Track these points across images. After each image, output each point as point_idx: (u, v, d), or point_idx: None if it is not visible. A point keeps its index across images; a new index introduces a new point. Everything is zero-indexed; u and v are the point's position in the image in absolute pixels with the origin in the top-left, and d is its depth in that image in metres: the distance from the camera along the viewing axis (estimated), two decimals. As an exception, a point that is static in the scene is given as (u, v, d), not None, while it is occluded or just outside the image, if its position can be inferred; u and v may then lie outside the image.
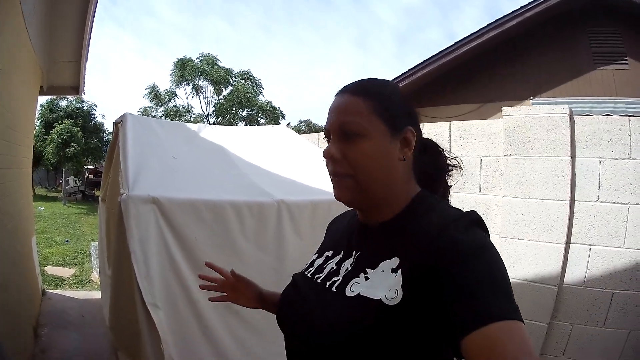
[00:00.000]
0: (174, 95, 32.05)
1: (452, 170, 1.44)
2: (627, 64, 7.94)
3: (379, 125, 1.23)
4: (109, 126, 30.03)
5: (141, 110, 31.46)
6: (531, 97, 8.10)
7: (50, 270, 10.51)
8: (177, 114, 30.64)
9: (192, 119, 30.86)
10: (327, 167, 1.32)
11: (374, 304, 1.12)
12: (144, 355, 3.19)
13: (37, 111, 10.12)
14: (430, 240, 1.10)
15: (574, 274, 4.53)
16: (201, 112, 32.64)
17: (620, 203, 4.36)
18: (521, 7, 8.08)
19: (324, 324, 1.19)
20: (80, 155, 27.46)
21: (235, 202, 3.60)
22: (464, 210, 1.19)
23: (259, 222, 3.69)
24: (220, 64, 31.88)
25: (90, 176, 35.29)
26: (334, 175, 1.29)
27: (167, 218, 3.28)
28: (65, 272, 10.52)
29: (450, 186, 1.45)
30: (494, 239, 1.16)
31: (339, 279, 1.28)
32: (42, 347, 5.24)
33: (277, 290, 1.68)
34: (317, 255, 1.52)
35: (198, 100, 33.40)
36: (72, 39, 6.48)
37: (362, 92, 1.28)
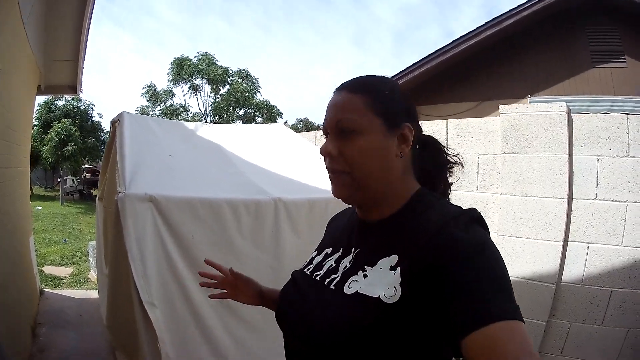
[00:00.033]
0: (171, 94, 32.05)
1: (452, 167, 1.44)
2: (625, 62, 7.94)
3: (375, 121, 1.23)
4: (106, 125, 30.05)
5: (139, 109, 31.46)
6: (529, 96, 8.10)
7: (48, 269, 10.51)
8: (174, 113, 30.60)
9: (189, 118, 30.86)
10: (325, 164, 1.32)
11: (372, 302, 1.11)
12: (141, 354, 3.18)
13: (34, 110, 10.10)
14: (430, 237, 1.10)
15: (572, 272, 4.53)
16: (198, 111, 32.71)
17: (618, 201, 4.37)
18: (519, 6, 8.08)
19: (323, 323, 1.18)
20: (78, 154, 27.49)
21: (232, 200, 3.60)
22: (463, 208, 1.19)
23: (256, 220, 3.69)
24: (218, 63, 31.91)
25: (88, 175, 35.39)
26: (331, 172, 1.29)
27: (163, 216, 3.27)
28: (63, 271, 10.52)
29: (451, 183, 1.44)
30: (492, 236, 1.16)
31: (337, 277, 1.28)
32: (40, 346, 5.22)
33: (275, 287, 1.68)
34: (316, 252, 1.52)
35: (195, 99, 33.54)
36: (70, 38, 6.47)
37: (359, 89, 1.28)
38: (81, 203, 29.05)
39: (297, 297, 1.38)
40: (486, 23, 8.30)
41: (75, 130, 27.15)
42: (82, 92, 8.79)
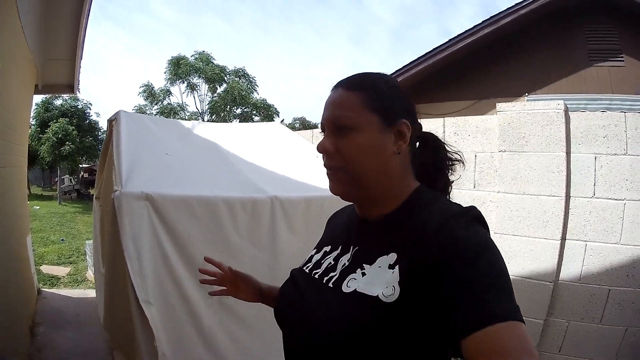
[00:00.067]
0: (168, 93, 32.04)
1: (453, 165, 1.43)
2: (622, 61, 7.92)
3: (371, 118, 1.23)
4: (103, 125, 30.16)
5: (136, 108, 31.47)
6: (526, 94, 8.09)
7: (45, 269, 10.53)
8: (171, 112, 30.59)
9: (186, 117, 30.84)
10: (322, 161, 1.32)
11: (371, 300, 1.11)
12: (138, 353, 3.17)
13: (32, 110, 10.11)
14: (430, 235, 1.09)
15: (569, 271, 4.53)
16: (195, 110, 32.69)
17: (616, 199, 4.37)
18: (516, 4, 8.05)
19: (323, 323, 1.18)
20: (75, 154, 27.54)
21: (228, 198, 3.58)
22: (463, 206, 1.18)
23: (252, 218, 3.68)
24: (215, 62, 31.92)
25: (85, 175, 35.39)
26: (328, 169, 1.30)
27: (160, 214, 3.26)
28: (61, 271, 10.54)
29: (452, 181, 1.43)
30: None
31: (336, 275, 1.28)
32: (38, 346, 5.22)
33: (273, 285, 1.69)
34: (315, 250, 1.51)
35: (192, 98, 33.44)
36: (67, 37, 6.47)
37: (356, 86, 1.28)
38: (79, 202, 29.10)
39: (297, 297, 1.37)
40: (483, 21, 8.28)
41: (73, 130, 27.21)
42: (79, 91, 8.81)
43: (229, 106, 31.62)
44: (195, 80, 31.75)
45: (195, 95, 32.46)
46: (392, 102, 1.27)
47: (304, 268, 1.45)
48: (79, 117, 29.26)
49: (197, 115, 31.87)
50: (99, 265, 5.45)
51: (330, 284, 1.26)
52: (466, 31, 8.38)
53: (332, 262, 1.35)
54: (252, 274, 1.79)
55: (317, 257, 1.45)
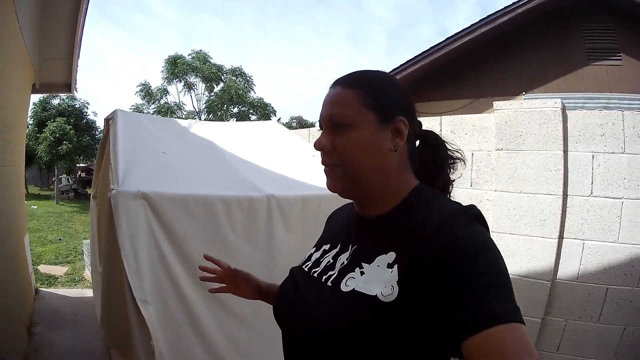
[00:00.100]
0: (165, 92, 32.00)
1: (455, 163, 1.43)
2: (620, 60, 7.92)
3: (367, 115, 1.23)
4: (101, 124, 29.97)
5: (133, 107, 31.36)
6: (523, 93, 8.10)
7: (43, 268, 10.52)
8: (168, 111, 30.55)
9: (183, 116, 30.81)
10: (320, 159, 1.33)
11: (369, 300, 1.11)
12: (135, 353, 3.17)
13: (29, 109, 10.12)
14: (430, 233, 1.08)
15: (567, 269, 4.53)
16: (192, 109, 32.64)
17: (614, 198, 4.37)
18: (513, 3, 8.05)
19: (322, 322, 1.17)
20: (73, 153, 27.56)
21: (225, 197, 3.59)
22: (463, 205, 1.18)
23: (248, 217, 3.68)
24: (212, 61, 31.90)
25: (83, 174, 35.41)
26: (325, 166, 1.30)
27: (156, 213, 3.25)
28: (58, 270, 10.53)
29: (453, 180, 1.44)
30: (487, 234, 1.16)
31: (334, 273, 1.28)
32: (36, 345, 5.23)
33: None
34: (314, 249, 1.52)
35: (189, 97, 33.39)
36: (64, 37, 6.48)
37: (353, 83, 1.29)
38: (76, 202, 29.07)
39: (297, 296, 1.37)
40: (480, 20, 8.28)
41: (70, 129, 27.20)
42: (76, 91, 8.84)
43: (225, 105, 31.60)
44: (192, 79, 31.73)
45: (192, 95, 32.44)
46: (389, 99, 1.27)
47: (303, 266, 1.45)
48: (76, 116, 29.27)
49: (194, 115, 31.84)
50: (96, 265, 5.44)
51: (329, 283, 1.26)
52: (463, 30, 8.39)
53: (331, 261, 1.34)
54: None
55: (317, 255, 1.45)
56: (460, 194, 5.00)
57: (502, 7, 8.19)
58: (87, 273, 9.51)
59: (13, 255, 5.32)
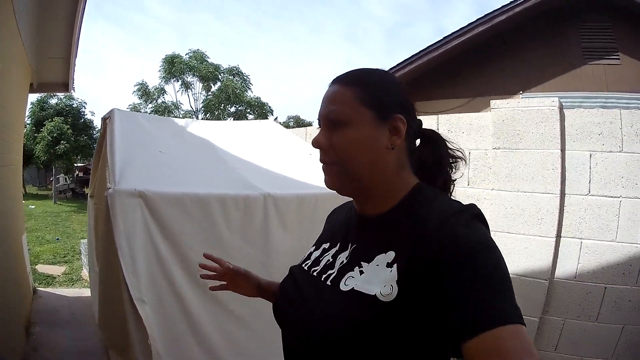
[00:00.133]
0: (162, 91, 32.11)
1: (456, 162, 1.42)
2: (618, 59, 7.91)
3: (364, 112, 1.23)
4: (98, 123, 30.03)
5: (130, 106, 31.51)
6: (521, 92, 8.09)
7: (41, 268, 10.55)
8: (165, 110, 30.65)
9: (180, 116, 30.89)
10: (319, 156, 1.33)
11: (369, 299, 1.10)
12: (133, 352, 3.16)
13: (27, 109, 10.16)
14: (430, 232, 1.08)
15: (565, 268, 4.54)
16: (190, 108, 32.73)
17: (611, 196, 4.37)
18: (511, 2, 8.03)
19: (321, 321, 1.17)
20: (70, 152, 27.64)
21: (221, 195, 3.59)
22: (464, 204, 1.17)
23: (245, 215, 3.68)
24: (209, 60, 31.96)
25: (80, 174, 35.43)
26: (322, 163, 1.30)
27: (153, 212, 3.25)
28: (56, 270, 10.55)
29: (455, 179, 1.43)
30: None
31: (334, 272, 1.28)
32: (34, 345, 5.23)
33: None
34: (314, 247, 1.51)
35: (187, 96, 33.46)
36: (62, 36, 6.47)
37: (350, 81, 1.29)
38: (74, 201, 29.14)
39: (297, 295, 1.36)
40: (478, 19, 8.27)
41: (68, 129, 27.28)
42: (74, 90, 8.85)
43: (223, 104, 31.71)
44: (190, 78, 31.86)
45: (190, 94, 32.64)
46: (387, 97, 1.27)
47: (303, 265, 1.45)
48: (73, 116, 29.35)
49: (191, 114, 31.95)
50: (93, 264, 5.45)
51: (329, 282, 1.26)
52: (461, 29, 8.37)
53: (331, 260, 1.34)
54: (244, 271, 1.79)
55: (316, 254, 1.44)
56: (457, 193, 4.94)
57: (500, 6, 8.19)
58: (85, 273, 9.52)
59: (11, 255, 5.32)
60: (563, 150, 4.53)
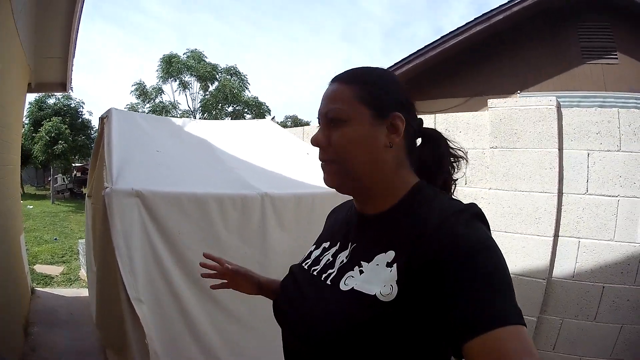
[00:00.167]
0: (160, 91, 32.07)
1: (458, 161, 1.42)
2: (616, 58, 7.91)
3: (362, 110, 1.23)
4: (96, 123, 30.01)
5: (128, 106, 31.43)
6: (519, 91, 8.09)
7: (39, 268, 10.56)
8: (163, 110, 30.59)
9: (178, 115, 30.80)
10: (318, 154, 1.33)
11: (369, 299, 1.10)
12: (130, 352, 3.16)
13: (25, 109, 10.16)
14: (430, 232, 1.07)
15: (562, 268, 4.54)
16: (187, 108, 32.70)
17: (609, 196, 4.37)
18: (509, 1, 8.02)
19: (321, 321, 1.17)
20: (68, 152, 27.59)
21: (218, 195, 3.59)
22: (464, 203, 1.17)
23: (242, 215, 3.68)
24: (207, 60, 31.95)
25: (78, 174, 35.40)
26: (321, 161, 1.31)
27: (150, 211, 3.25)
28: (54, 270, 10.56)
29: (456, 179, 1.43)
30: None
31: (334, 272, 1.27)
32: (32, 345, 5.23)
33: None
34: (314, 246, 1.51)
35: (184, 96, 33.50)
36: (60, 36, 6.47)
37: (349, 79, 1.30)
38: (72, 201, 29.13)
39: (297, 294, 1.36)
40: (476, 19, 8.25)
41: (66, 129, 27.28)
42: (72, 90, 8.85)
43: (220, 104, 31.67)
44: (187, 78, 31.83)
45: (187, 94, 32.56)
46: (385, 95, 1.27)
47: (303, 264, 1.45)
48: (71, 115, 29.35)
49: (188, 114, 31.91)
50: (91, 264, 5.45)
51: (329, 282, 1.26)
52: (458, 28, 8.36)
53: (331, 259, 1.34)
54: (242, 270, 1.79)
55: (316, 253, 1.44)
56: (455, 192, 4.99)
57: (498, 5, 8.18)
58: (83, 272, 9.52)
59: (9, 255, 5.32)
60: (561, 149, 4.54)
